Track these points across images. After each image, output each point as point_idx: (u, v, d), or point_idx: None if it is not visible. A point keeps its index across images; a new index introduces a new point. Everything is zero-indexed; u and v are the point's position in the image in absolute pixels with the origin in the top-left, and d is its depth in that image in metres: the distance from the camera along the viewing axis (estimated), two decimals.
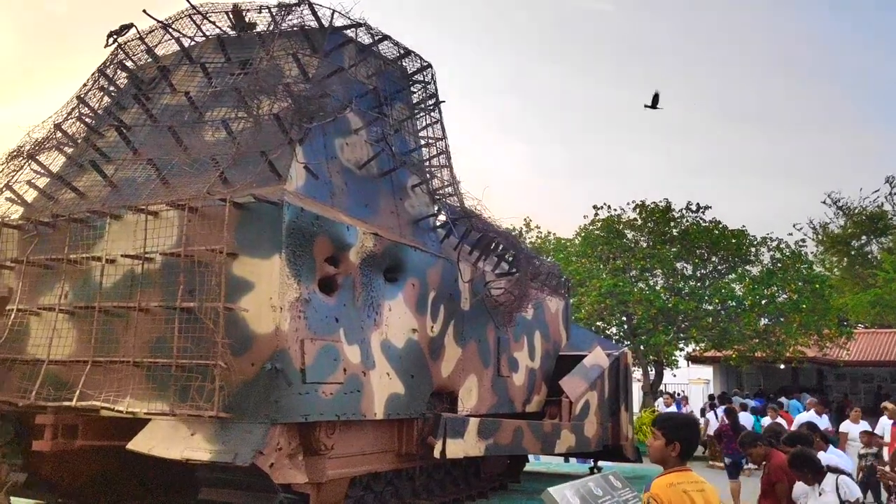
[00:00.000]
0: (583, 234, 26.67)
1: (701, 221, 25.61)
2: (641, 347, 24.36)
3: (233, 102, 6.89)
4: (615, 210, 25.67)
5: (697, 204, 25.71)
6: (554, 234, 29.60)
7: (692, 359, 31.84)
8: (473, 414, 8.59)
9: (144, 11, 7.83)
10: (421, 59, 8.52)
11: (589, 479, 8.56)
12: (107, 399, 5.91)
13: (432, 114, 8.65)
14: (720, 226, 24.99)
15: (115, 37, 8.29)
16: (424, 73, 8.66)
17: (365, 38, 8.07)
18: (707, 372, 35.54)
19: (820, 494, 6.46)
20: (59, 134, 7.72)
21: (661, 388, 35.57)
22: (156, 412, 5.84)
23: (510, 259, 9.03)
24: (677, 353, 26.10)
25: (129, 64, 8.15)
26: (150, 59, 8.10)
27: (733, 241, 24.66)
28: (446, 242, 8.68)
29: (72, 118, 7.86)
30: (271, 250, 5.93)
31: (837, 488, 6.37)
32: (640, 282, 25.70)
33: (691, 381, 38.22)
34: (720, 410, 16.89)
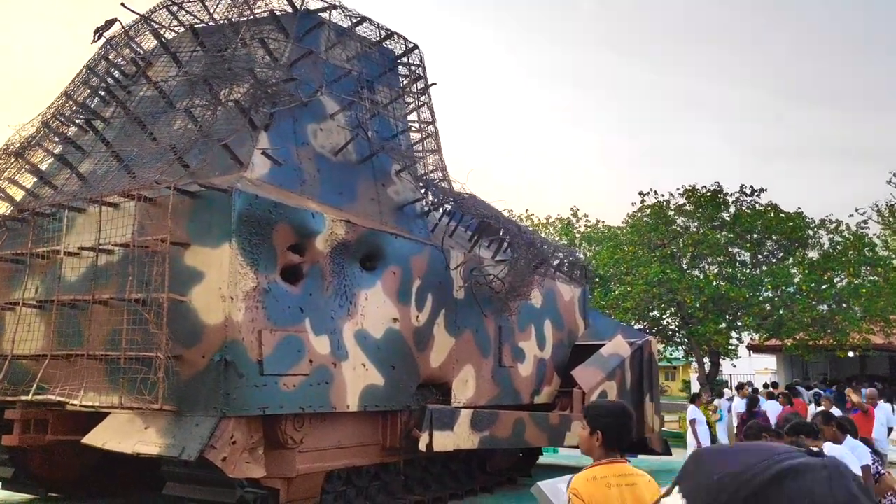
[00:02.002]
0: (631, 222, 25.96)
1: (756, 205, 24.63)
2: (692, 338, 23.61)
3: (199, 91, 6.76)
4: (662, 196, 24.90)
5: (752, 187, 24.72)
6: (602, 222, 29.00)
7: (753, 348, 30.77)
8: (471, 406, 8.31)
9: (123, 5, 7.75)
10: (406, 40, 8.26)
11: None
12: (63, 393, 5.85)
13: (421, 97, 8.39)
14: (775, 209, 23.96)
15: (101, 33, 8.28)
16: (410, 55, 8.40)
17: (346, 22, 7.86)
18: (771, 362, 34.34)
19: None
20: (44, 131, 7.73)
21: (727, 380, 34.53)
22: (107, 406, 5.76)
23: (506, 245, 8.69)
24: (733, 342, 25.16)
25: (114, 58, 8.11)
26: (137, 53, 8.05)
27: (789, 224, 23.61)
28: (440, 229, 8.43)
29: (58, 115, 7.87)
30: (221, 239, 5.78)
31: None
32: (693, 269, 24.91)
33: (757, 372, 37.02)
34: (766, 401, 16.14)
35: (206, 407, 5.60)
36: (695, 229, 24.35)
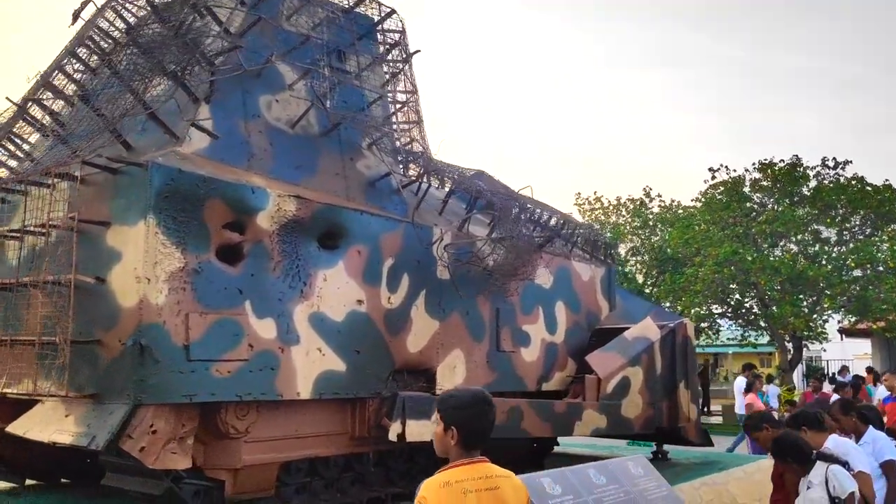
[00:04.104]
0: (704, 200, 24.67)
1: (840, 178, 22.95)
2: (770, 321, 22.25)
3: (131, 59, 6.46)
4: (734, 171, 23.50)
5: (834, 159, 23.06)
6: (678, 202, 27.74)
7: (845, 332, 28.86)
8: None
9: None
10: (380, 4, 7.76)
11: (591, 464, 7.56)
12: None
13: (399, 66, 7.87)
14: (861, 182, 22.24)
15: (78, 14, 8.13)
16: (389, 22, 7.89)
17: None
18: (867, 346, 32.18)
19: (808, 488, 5.19)
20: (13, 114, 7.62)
21: (823, 366, 32.81)
22: (24, 393, 5.55)
23: (496, 222, 8.08)
24: (818, 325, 23.56)
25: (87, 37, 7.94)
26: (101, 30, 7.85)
27: (877, 197, 21.87)
28: (429, 205, 7.93)
29: (28, 98, 7.76)
30: (137, 216, 5.46)
31: (827, 481, 5.08)
32: (774, 248, 23.48)
33: (856, 357, 34.89)
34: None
35: (121, 394, 5.30)
36: (772, 206, 22.92)
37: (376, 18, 7.93)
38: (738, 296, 24.78)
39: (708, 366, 27.73)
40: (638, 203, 27.93)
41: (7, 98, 7.26)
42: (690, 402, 10.61)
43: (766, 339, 28.57)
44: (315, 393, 6.39)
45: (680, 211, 27.24)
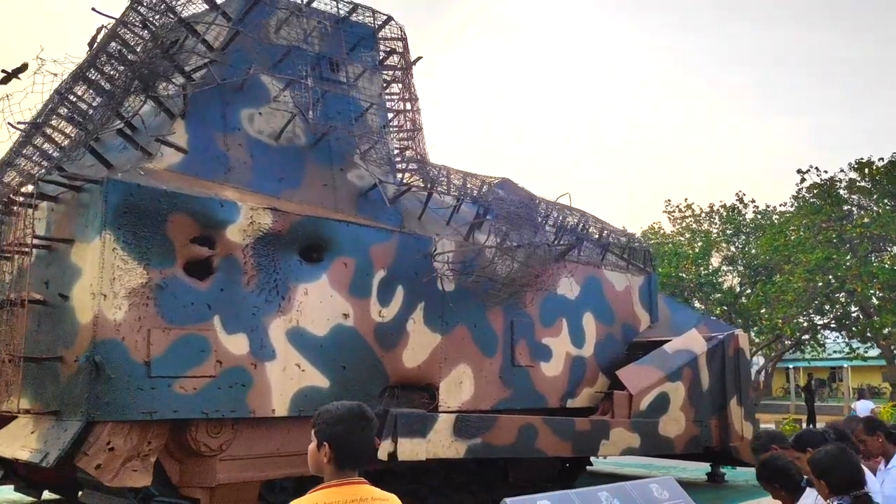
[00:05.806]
0: (798, 203, 23.25)
1: None
2: (870, 331, 20.70)
3: (121, 81, 6.54)
4: (825, 172, 22.05)
5: None
6: (773, 207, 26.33)
7: None
8: (469, 410, 7.47)
9: (94, 9, 7.77)
10: (374, 13, 7.58)
11: (605, 486, 7.09)
12: None
13: (396, 73, 7.68)
14: None
15: (93, 41, 8.39)
16: (387, 30, 7.71)
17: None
18: None
19: None
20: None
21: None
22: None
23: (505, 228, 7.71)
24: None
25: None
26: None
27: None
28: (436, 215, 7.70)
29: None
30: (95, 233, 5.47)
31: None
32: (876, 252, 21.88)
33: None
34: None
35: (75, 411, 5.30)
36: (870, 208, 21.37)
37: (376, 27, 7.77)
38: (839, 305, 23.22)
39: (811, 380, 26.03)
40: (731, 209, 26.65)
41: (9, 124, 7.50)
42: (744, 420, 9.86)
43: (877, 350, 26.65)
44: (293, 410, 6.24)
45: (775, 217, 25.84)
